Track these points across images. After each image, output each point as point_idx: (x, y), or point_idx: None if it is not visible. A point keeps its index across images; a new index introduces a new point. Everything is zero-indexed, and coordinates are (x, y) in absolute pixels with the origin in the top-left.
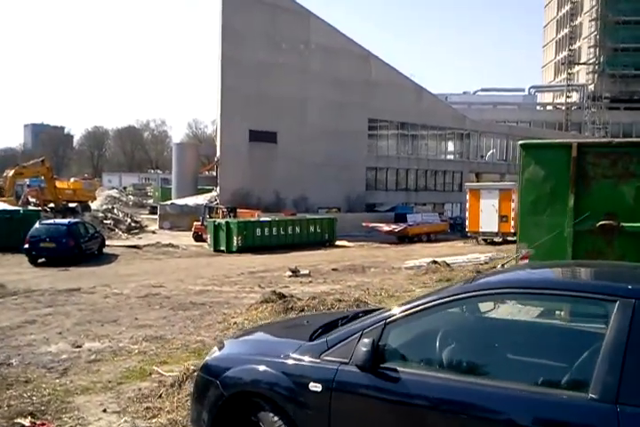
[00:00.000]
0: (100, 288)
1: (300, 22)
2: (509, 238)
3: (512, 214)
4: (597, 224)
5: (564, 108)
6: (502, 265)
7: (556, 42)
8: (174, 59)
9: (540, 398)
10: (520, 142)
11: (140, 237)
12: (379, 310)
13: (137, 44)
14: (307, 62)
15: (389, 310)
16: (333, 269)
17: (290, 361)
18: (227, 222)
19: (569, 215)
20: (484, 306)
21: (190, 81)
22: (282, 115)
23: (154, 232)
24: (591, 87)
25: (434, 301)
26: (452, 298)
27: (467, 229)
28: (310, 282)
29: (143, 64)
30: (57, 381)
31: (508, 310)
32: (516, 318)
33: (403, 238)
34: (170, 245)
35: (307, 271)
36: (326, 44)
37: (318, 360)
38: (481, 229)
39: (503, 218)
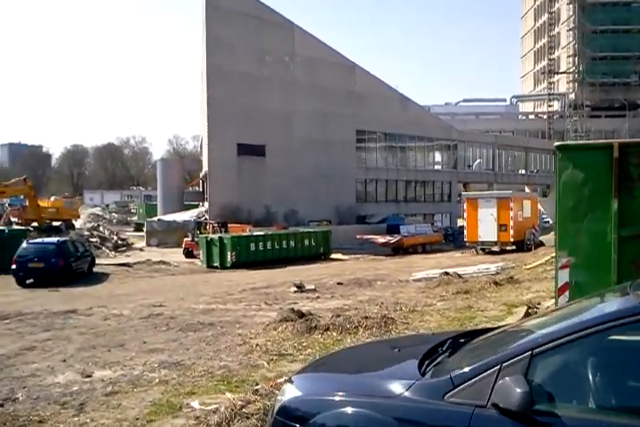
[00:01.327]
0: (98, 309)
1: (284, 34)
2: (508, 248)
3: (511, 223)
4: None
5: (545, 116)
6: None
7: (535, 52)
8: (153, 75)
9: None
10: (556, 144)
11: (129, 255)
12: (486, 331)
13: (114, 61)
14: (292, 74)
15: (529, 332)
16: (338, 284)
17: (402, 403)
18: (220, 238)
19: (612, 221)
20: None
21: (169, 97)
22: (269, 127)
23: (141, 249)
24: (572, 96)
25: (602, 323)
26: (630, 319)
27: (465, 239)
28: (318, 297)
29: (121, 81)
30: (75, 419)
31: None
32: None
33: (397, 250)
34: (161, 262)
35: (312, 286)
36: (311, 55)
37: (442, 402)
38: (480, 239)
39: (502, 227)
